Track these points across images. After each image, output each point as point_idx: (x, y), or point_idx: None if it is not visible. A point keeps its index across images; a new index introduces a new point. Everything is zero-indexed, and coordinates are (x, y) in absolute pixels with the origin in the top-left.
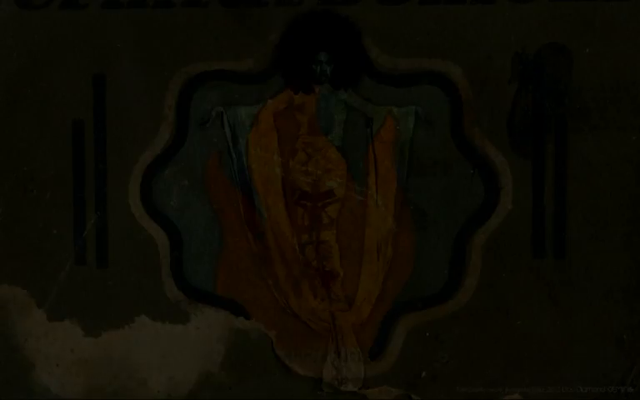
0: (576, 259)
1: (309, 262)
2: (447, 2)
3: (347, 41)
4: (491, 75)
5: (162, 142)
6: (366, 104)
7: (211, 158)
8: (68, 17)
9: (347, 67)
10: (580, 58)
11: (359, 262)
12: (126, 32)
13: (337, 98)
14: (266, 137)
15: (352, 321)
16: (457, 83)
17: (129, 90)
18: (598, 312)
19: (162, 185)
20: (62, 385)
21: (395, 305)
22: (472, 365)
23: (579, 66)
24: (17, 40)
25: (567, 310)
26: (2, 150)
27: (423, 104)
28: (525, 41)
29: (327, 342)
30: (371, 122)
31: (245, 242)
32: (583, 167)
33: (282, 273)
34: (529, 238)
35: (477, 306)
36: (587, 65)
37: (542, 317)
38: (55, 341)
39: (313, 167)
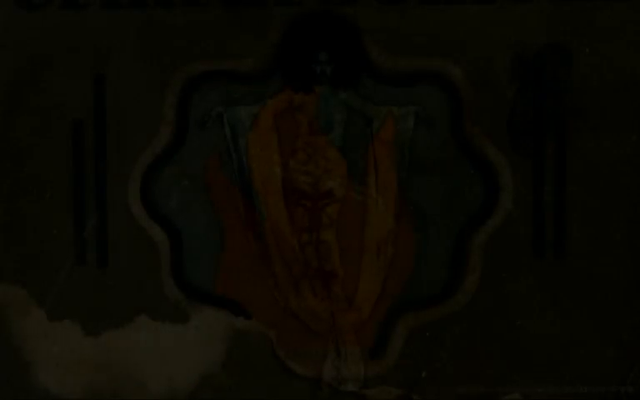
0: (576, 259)
1: (309, 262)
2: (447, 2)
3: (347, 41)
4: (491, 75)
5: (162, 142)
6: (366, 104)
7: (211, 158)
8: (68, 17)
9: (347, 67)
10: (580, 58)
11: (359, 262)
12: (126, 32)
13: (337, 98)
14: (266, 137)
15: (352, 320)
16: (457, 83)
17: (129, 90)
18: (598, 312)
19: (162, 185)
20: (62, 385)
21: (395, 305)
22: (472, 365)
23: (579, 66)
24: (17, 40)
25: (567, 310)
26: (2, 150)
27: (423, 104)
28: (525, 41)
29: (327, 342)
30: (371, 122)
31: (245, 242)
32: (583, 167)
33: (282, 273)
34: (529, 238)
35: (477, 306)
36: (587, 65)
37: (542, 317)
38: (55, 341)
39: (313, 167)
